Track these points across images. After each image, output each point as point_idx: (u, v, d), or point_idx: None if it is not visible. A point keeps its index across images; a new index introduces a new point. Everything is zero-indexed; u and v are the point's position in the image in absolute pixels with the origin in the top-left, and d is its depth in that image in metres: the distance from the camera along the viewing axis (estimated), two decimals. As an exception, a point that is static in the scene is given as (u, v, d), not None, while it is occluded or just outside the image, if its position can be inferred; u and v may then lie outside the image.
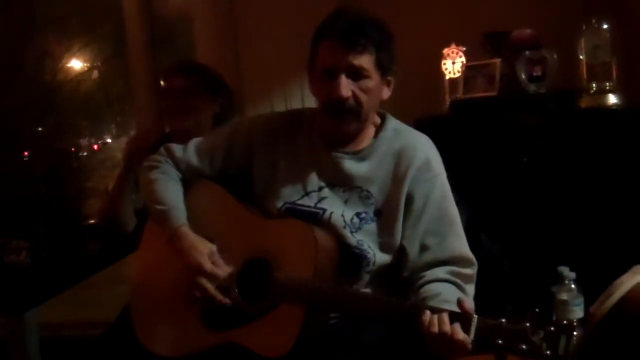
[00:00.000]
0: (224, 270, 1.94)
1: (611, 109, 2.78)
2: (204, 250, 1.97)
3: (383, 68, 1.95)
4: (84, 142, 4.73)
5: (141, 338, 2.06)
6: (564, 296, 2.10)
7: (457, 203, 2.04)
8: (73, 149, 4.75)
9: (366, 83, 1.92)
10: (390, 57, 1.97)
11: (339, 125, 1.96)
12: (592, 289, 2.16)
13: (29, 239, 2.92)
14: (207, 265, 1.94)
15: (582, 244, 2.68)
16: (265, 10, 3.46)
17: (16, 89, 4.51)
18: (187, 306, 1.99)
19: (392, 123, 2.07)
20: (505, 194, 2.89)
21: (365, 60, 1.91)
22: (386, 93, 2.01)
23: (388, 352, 1.97)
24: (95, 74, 4.57)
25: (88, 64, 4.55)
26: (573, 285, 2.17)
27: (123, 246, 2.54)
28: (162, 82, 2.75)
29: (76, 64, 4.57)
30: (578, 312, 2.15)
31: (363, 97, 1.93)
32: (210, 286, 1.93)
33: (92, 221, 2.73)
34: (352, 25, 1.90)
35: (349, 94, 1.91)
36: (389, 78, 2.00)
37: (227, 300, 1.92)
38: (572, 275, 2.18)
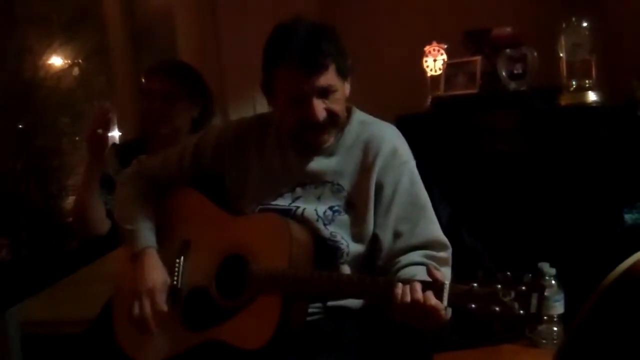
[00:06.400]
0: (164, 305, 1.97)
1: (591, 106, 2.80)
2: (160, 278, 1.99)
3: (343, 73, 1.95)
4: (64, 139, 4.68)
5: (124, 347, 2.06)
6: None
7: (439, 200, 2.05)
8: (53, 146, 4.70)
9: (335, 96, 1.93)
10: (345, 60, 1.96)
11: (317, 138, 1.98)
12: (572, 285, 2.20)
13: (9, 237, 2.91)
14: (158, 293, 1.96)
15: (562, 241, 2.70)
16: (247, 7, 3.45)
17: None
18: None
19: (358, 116, 2.08)
20: (486, 190, 2.90)
21: (329, 77, 1.90)
22: (348, 89, 2.01)
23: (368, 347, 1.98)
24: (76, 70, 4.52)
25: (69, 61, 4.51)
26: (553, 282, 2.20)
27: (104, 244, 2.52)
28: (143, 82, 2.64)
29: (57, 61, 4.52)
30: (559, 308, 2.17)
31: (336, 108, 1.94)
32: (149, 311, 1.95)
33: (71, 219, 2.68)
34: (308, 46, 1.87)
35: (324, 114, 1.92)
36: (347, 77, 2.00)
37: (154, 329, 1.95)
38: (553, 271, 2.21)
